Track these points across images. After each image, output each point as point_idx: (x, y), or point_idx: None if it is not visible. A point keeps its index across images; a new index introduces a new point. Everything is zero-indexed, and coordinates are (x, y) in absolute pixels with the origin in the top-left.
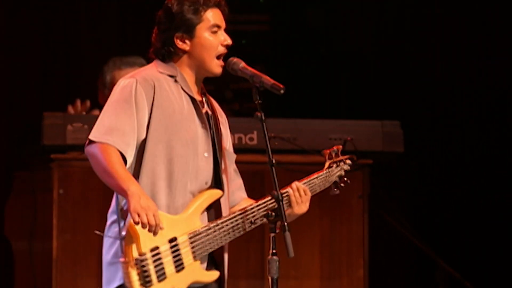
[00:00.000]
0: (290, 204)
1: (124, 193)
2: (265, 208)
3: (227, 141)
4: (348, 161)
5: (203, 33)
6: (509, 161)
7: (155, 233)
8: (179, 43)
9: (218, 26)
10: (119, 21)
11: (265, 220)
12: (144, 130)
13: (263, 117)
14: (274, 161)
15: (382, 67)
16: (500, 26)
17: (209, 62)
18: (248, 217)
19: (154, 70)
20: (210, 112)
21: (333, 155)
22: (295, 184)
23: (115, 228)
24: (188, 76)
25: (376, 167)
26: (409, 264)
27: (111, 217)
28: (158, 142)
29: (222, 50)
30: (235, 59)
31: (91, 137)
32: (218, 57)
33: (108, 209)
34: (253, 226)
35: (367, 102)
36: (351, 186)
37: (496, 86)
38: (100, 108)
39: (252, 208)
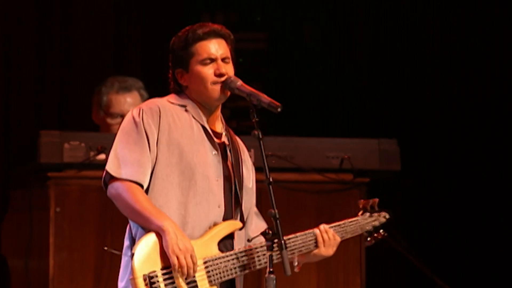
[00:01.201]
0: (317, 245)
1: (158, 230)
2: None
3: (249, 179)
4: (385, 214)
5: (195, 66)
6: (506, 178)
7: (189, 276)
8: (180, 79)
9: (210, 59)
10: (115, 38)
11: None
12: (155, 155)
13: (260, 135)
14: (271, 179)
15: (378, 85)
16: (495, 45)
17: (206, 91)
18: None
19: (164, 101)
20: (227, 143)
21: (368, 207)
22: (323, 226)
23: (128, 253)
24: (200, 107)
25: (373, 185)
26: (406, 282)
27: (125, 246)
28: (167, 165)
29: (216, 79)
30: (233, 77)
31: (108, 169)
32: (213, 84)
33: (105, 228)
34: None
35: (364, 120)
36: (347, 204)
37: (492, 104)
38: (94, 125)
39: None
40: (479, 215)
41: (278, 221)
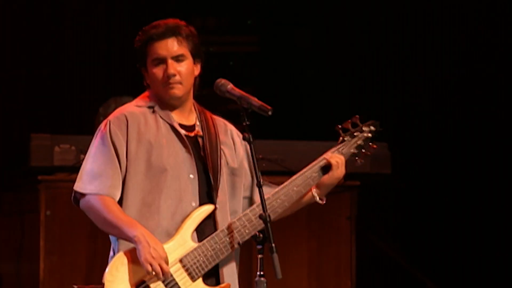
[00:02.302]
0: (327, 171)
1: (130, 240)
2: (255, 214)
3: (234, 159)
4: (371, 127)
5: (149, 67)
6: (497, 181)
7: (166, 278)
8: (144, 75)
9: (159, 59)
10: (106, 41)
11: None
12: (125, 166)
13: (251, 139)
14: (262, 182)
15: (369, 89)
16: (485, 47)
17: (159, 91)
18: (242, 223)
19: (131, 106)
20: (201, 133)
21: (350, 126)
22: (327, 154)
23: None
24: (168, 104)
25: (363, 188)
26: (397, 285)
27: (110, 257)
28: (137, 173)
29: (165, 80)
30: (223, 81)
31: (77, 189)
32: (165, 86)
33: (95, 231)
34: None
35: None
36: (338, 208)
37: (483, 108)
38: (85, 130)
39: (244, 215)
40: (470, 218)
41: (268, 224)
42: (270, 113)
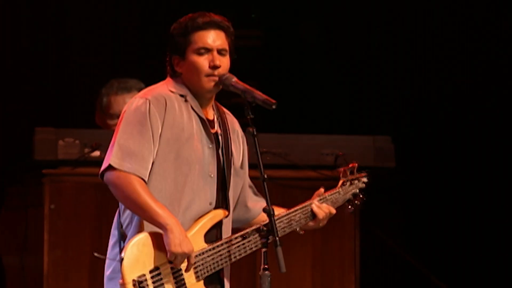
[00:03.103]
0: (312, 219)
1: (161, 227)
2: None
3: (239, 159)
4: (364, 179)
5: (191, 55)
6: (500, 175)
7: (178, 274)
8: (176, 65)
9: (206, 49)
10: (111, 36)
11: (270, 239)
12: (156, 150)
13: (255, 132)
14: (266, 176)
15: (374, 82)
16: (489, 42)
17: (199, 81)
18: (255, 238)
19: (165, 89)
20: (220, 131)
21: (348, 173)
22: (315, 202)
23: (116, 249)
24: (196, 96)
25: (367, 182)
26: (401, 280)
27: (113, 237)
28: (165, 161)
29: (209, 71)
30: (227, 74)
31: (111, 162)
32: (208, 76)
33: (99, 225)
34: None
35: (359, 117)
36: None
37: (487, 101)
38: (94, 126)
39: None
40: (475, 213)
41: (272, 218)
42: (274, 106)
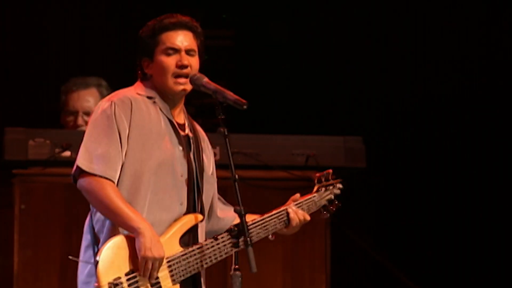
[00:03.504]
0: (287, 224)
1: (133, 231)
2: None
3: (209, 166)
4: (339, 185)
5: (159, 56)
6: (473, 174)
7: (151, 278)
8: (146, 67)
9: (173, 49)
10: (83, 33)
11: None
12: (125, 151)
13: (226, 133)
14: (237, 177)
15: (344, 82)
16: (462, 39)
17: (166, 82)
18: (230, 240)
19: (132, 92)
20: (191, 135)
21: (323, 179)
22: (292, 207)
23: (89, 252)
24: (165, 98)
25: (342, 188)
26: (371, 280)
27: (85, 240)
28: (134, 162)
29: (177, 71)
30: (198, 74)
31: (79, 164)
32: (176, 77)
33: (70, 225)
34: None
35: (330, 117)
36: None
37: (459, 99)
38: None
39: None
40: (445, 212)
41: (243, 218)
42: (245, 107)
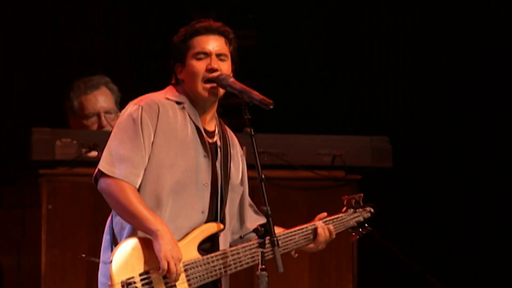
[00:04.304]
0: (312, 240)
1: (151, 233)
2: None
3: (238, 175)
4: (369, 209)
5: (190, 60)
6: (498, 175)
7: (173, 281)
8: (179, 73)
9: (204, 53)
10: (105, 34)
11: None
12: (148, 156)
13: (253, 133)
14: (263, 176)
15: (371, 82)
16: (487, 44)
17: (196, 87)
18: (251, 251)
19: (161, 96)
20: (219, 143)
21: (353, 202)
22: (321, 223)
23: (107, 253)
24: (195, 104)
25: (365, 182)
26: (397, 279)
27: (105, 240)
28: (158, 167)
29: (207, 75)
30: (224, 75)
31: (101, 167)
32: (205, 82)
33: (97, 224)
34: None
35: (356, 117)
36: (340, 202)
37: (486, 101)
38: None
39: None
40: (471, 212)
41: (270, 218)
42: (271, 106)
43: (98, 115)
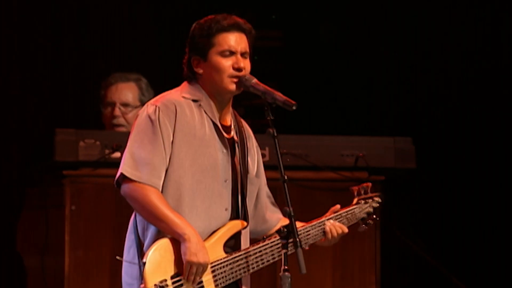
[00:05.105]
0: (324, 235)
1: (178, 237)
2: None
3: (254, 167)
4: (377, 199)
5: (214, 57)
6: None
7: (194, 283)
8: (196, 66)
9: (230, 51)
10: (129, 35)
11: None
12: (169, 157)
13: (275, 134)
14: (286, 178)
15: (394, 83)
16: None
17: (221, 82)
18: (275, 246)
19: (177, 95)
20: (236, 138)
21: (362, 192)
22: (329, 220)
23: (132, 252)
24: (212, 99)
25: (388, 183)
26: (421, 281)
27: (129, 239)
28: (179, 168)
29: (233, 72)
30: (248, 75)
31: (123, 171)
32: (230, 77)
33: (120, 225)
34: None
35: (380, 118)
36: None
37: (509, 102)
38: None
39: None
40: (496, 213)
41: (293, 219)
42: (294, 107)
43: (114, 105)
